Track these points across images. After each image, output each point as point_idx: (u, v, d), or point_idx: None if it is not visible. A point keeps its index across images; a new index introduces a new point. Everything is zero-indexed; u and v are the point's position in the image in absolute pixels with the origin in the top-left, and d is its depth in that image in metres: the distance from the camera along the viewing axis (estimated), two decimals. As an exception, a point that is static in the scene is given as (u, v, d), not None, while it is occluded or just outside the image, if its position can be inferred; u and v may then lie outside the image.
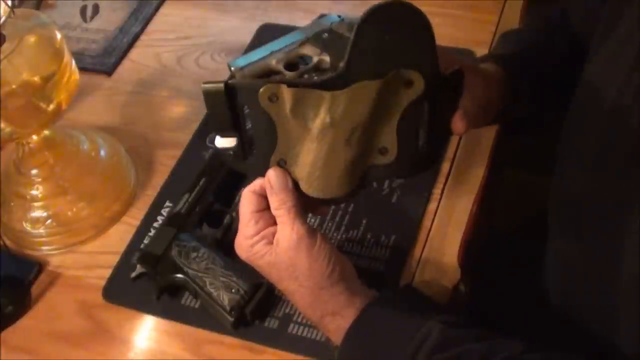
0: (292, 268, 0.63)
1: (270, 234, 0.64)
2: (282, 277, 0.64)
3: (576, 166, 0.68)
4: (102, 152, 0.86)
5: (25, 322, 0.76)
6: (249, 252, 0.65)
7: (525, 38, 0.84)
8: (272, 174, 0.64)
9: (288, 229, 0.63)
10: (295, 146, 0.63)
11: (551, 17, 0.84)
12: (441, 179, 0.82)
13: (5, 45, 0.72)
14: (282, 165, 0.64)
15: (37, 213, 0.82)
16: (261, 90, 0.60)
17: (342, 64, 0.58)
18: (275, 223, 0.65)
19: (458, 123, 0.65)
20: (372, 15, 0.56)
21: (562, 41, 0.81)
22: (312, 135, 0.61)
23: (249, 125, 0.63)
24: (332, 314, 0.64)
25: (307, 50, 0.95)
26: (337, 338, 0.64)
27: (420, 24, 0.59)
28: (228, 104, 0.61)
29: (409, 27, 0.58)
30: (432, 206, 0.80)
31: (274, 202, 0.64)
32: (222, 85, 0.61)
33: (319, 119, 0.60)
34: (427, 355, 0.59)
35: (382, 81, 0.58)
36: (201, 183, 0.80)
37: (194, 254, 0.74)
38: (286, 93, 0.59)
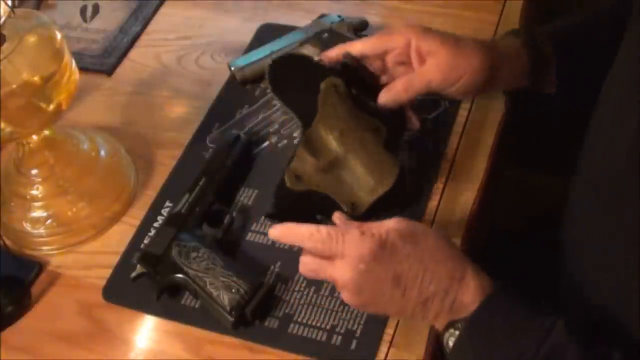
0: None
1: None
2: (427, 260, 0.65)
3: (605, 156, 0.68)
4: (102, 152, 0.86)
5: (25, 322, 0.76)
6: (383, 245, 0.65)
7: (566, 19, 0.85)
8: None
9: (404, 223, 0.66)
10: (343, 181, 0.75)
11: (601, 10, 0.84)
12: (441, 179, 0.82)
13: (5, 45, 0.72)
14: (355, 207, 0.75)
15: (37, 213, 0.82)
16: (287, 183, 0.75)
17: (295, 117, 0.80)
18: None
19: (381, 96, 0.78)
20: (272, 71, 0.79)
21: (606, 28, 0.81)
22: (345, 152, 0.75)
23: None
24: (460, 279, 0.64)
25: (307, 50, 0.94)
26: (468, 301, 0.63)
27: (294, 57, 0.84)
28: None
29: (298, 64, 0.80)
30: (432, 205, 0.80)
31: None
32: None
33: (334, 138, 0.76)
34: (566, 327, 0.60)
35: (325, 87, 0.77)
36: (201, 183, 0.80)
37: (194, 254, 0.73)
38: (295, 165, 0.75)
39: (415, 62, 0.77)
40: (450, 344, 0.63)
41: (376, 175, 0.74)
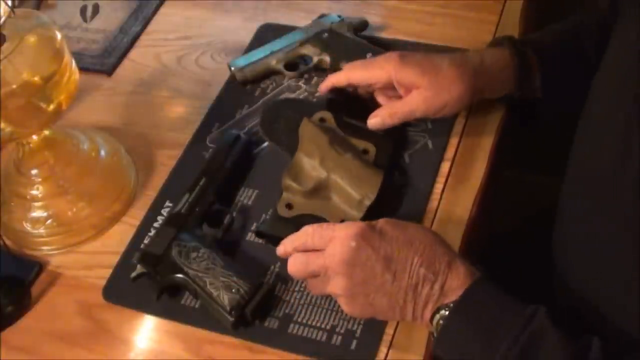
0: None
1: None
2: (406, 251, 0.66)
3: (597, 153, 0.68)
4: (102, 152, 0.86)
5: (25, 322, 0.76)
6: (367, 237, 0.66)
7: (551, 28, 0.87)
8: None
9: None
10: (331, 201, 0.78)
11: (587, 18, 0.86)
12: (441, 179, 0.82)
13: (5, 45, 0.72)
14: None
15: (37, 213, 0.82)
16: (279, 212, 0.78)
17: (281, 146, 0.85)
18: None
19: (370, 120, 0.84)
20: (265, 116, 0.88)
21: (592, 35, 0.82)
22: (328, 175, 0.78)
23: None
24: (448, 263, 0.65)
25: (307, 50, 0.95)
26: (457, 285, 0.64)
27: (284, 101, 0.92)
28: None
29: (288, 107, 0.89)
30: (432, 206, 0.80)
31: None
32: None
33: (316, 164, 0.79)
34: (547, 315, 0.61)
35: (304, 122, 0.84)
36: (201, 183, 0.80)
37: (194, 254, 0.74)
38: (285, 195, 0.78)
39: (401, 91, 0.82)
40: (439, 327, 0.64)
41: (360, 191, 0.77)
